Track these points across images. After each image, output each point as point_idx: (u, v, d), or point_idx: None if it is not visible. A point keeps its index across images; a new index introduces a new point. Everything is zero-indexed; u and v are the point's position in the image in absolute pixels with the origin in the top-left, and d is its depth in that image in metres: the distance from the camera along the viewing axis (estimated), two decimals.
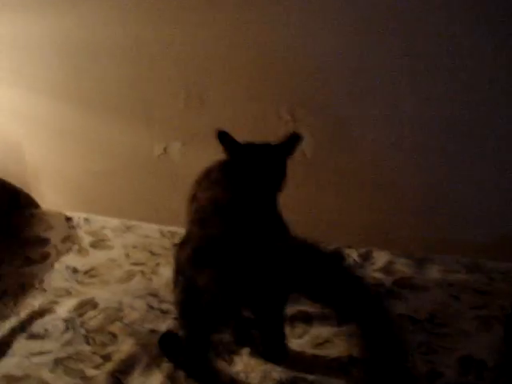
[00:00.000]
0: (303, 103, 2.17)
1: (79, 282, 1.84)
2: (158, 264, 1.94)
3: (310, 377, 1.43)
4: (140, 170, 2.42)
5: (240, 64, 2.20)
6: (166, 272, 1.80)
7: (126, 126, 2.38)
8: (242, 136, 2.24)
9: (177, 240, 1.93)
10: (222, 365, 1.48)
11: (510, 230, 2.11)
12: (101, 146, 2.45)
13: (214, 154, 2.29)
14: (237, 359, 1.50)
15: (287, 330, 1.56)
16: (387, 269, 1.91)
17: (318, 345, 1.55)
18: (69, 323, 1.64)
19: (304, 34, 2.07)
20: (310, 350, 1.53)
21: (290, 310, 1.64)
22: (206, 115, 2.28)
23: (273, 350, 1.50)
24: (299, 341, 1.57)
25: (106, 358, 1.51)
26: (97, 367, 1.47)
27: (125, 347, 1.55)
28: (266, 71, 2.18)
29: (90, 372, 1.46)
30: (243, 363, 1.49)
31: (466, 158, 2.13)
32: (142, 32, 2.22)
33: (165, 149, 2.37)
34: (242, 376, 1.44)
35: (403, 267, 1.92)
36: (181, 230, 2.01)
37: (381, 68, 2.05)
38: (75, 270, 1.91)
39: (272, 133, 2.19)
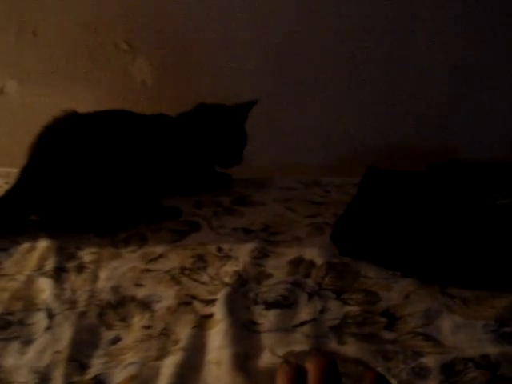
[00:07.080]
0: (140, 32, 2.13)
1: None
2: None
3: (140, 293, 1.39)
4: None
5: None
6: None
7: None
8: (80, 67, 2.17)
9: (12, 180, 1.84)
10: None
11: (345, 151, 2.20)
12: None
13: (53, 92, 2.23)
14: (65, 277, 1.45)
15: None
16: (225, 191, 1.92)
17: (151, 260, 1.52)
18: None
19: None
20: (142, 266, 1.49)
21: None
22: (40, 50, 2.19)
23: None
24: (132, 255, 1.54)
25: None
26: None
27: None
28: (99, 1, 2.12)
29: None
30: (70, 281, 1.44)
31: (308, 87, 2.18)
32: None
33: (1, 89, 2.25)
34: (67, 294, 1.39)
35: (241, 189, 1.93)
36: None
37: None
38: None
39: (108, 63, 2.16)
